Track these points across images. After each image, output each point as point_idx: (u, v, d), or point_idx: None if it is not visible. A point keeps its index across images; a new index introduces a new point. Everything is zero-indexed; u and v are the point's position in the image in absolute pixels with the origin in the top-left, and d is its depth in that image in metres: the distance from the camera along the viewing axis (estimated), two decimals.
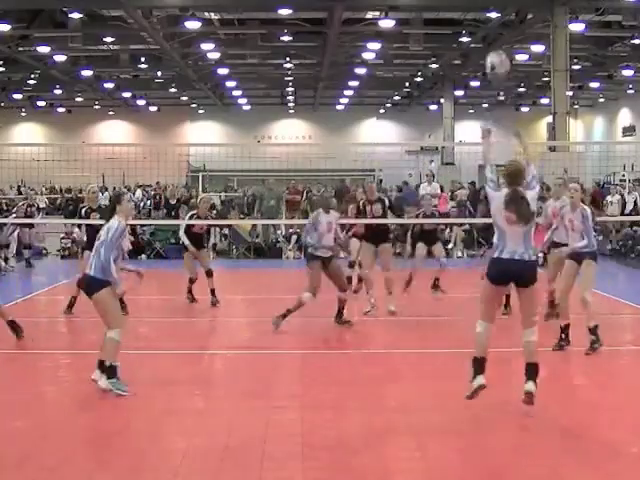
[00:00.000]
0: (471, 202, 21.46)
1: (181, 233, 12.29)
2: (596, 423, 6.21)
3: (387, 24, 24.23)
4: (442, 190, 22.82)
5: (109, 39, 27.66)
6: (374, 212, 11.22)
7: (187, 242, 12.02)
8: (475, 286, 10.96)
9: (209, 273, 12.04)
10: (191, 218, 12.32)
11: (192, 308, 12.19)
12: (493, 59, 7.31)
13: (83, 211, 11.28)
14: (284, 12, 24.07)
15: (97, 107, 45.66)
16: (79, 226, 12.42)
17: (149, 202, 24.54)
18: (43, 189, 34.70)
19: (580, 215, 8.68)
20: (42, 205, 26.49)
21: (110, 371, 6.85)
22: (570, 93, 24.36)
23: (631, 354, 8.86)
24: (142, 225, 19.44)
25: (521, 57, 29.83)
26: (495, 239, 6.58)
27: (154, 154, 21.58)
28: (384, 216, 11.38)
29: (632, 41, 27.23)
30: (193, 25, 24.33)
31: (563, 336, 8.78)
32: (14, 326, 9.24)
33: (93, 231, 10.77)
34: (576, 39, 24.04)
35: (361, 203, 11.50)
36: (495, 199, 6.50)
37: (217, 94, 41.88)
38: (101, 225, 10.46)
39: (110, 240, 7.01)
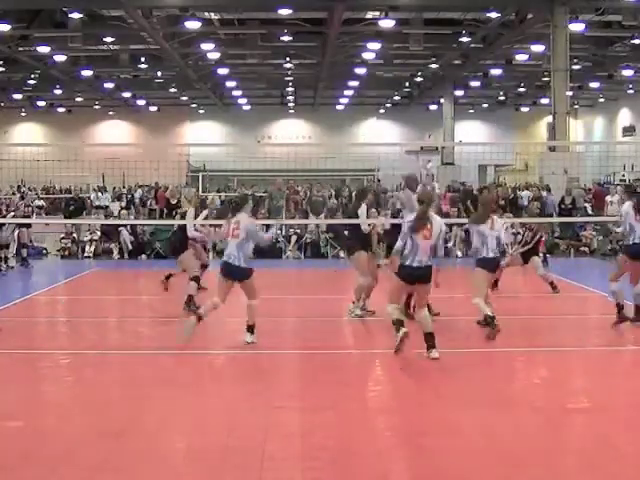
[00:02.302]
0: (462, 202, 21.43)
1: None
2: (596, 423, 6.21)
3: (387, 24, 24.25)
4: (449, 190, 22.88)
5: (109, 39, 27.66)
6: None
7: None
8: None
9: None
10: None
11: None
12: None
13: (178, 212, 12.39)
14: (284, 12, 24.08)
15: (97, 107, 45.65)
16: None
17: (149, 202, 24.57)
18: (38, 190, 34.56)
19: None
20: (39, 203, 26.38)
21: (253, 329, 8.97)
22: (570, 93, 24.37)
23: (631, 354, 8.85)
24: (142, 225, 19.44)
25: (521, 57, 29.86)
26: None
27: (154, 154, 21.66)
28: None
29: (632, 41, 27.23)
30: (193, 25, 24.34)
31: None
32: None
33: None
34: (576, 39, 24.05)
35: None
36: None
37: (217, 94, 41.86)
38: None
39: (258, 235, 9.10)
